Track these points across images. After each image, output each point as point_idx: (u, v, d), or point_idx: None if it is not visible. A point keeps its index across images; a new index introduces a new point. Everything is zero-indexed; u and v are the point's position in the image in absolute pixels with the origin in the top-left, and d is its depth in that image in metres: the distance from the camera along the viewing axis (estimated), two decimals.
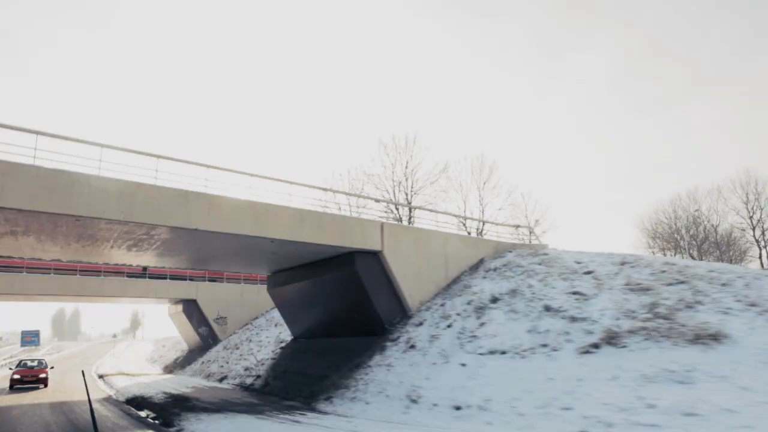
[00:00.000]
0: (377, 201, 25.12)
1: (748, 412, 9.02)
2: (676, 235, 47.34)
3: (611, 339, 12.47)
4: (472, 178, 32.98)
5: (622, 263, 17.72)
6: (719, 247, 45.33)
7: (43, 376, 22.67)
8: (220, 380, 22.78)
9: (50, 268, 27.90)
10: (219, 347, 29.52)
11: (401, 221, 29.55)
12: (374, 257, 16.64)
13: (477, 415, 10.86)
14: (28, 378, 22.32)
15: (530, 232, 23.58)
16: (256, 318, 31.96)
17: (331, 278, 17.94)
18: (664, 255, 46.78)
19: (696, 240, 46.39)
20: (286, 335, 23.42)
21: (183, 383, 22.78)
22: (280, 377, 19.08)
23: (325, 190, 18.47)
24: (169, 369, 32.95)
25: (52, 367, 24.96)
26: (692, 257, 47.88)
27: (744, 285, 15.70)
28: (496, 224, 23.97)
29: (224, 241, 14.78)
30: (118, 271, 30.30)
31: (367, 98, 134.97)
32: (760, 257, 44.45)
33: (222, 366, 25.06)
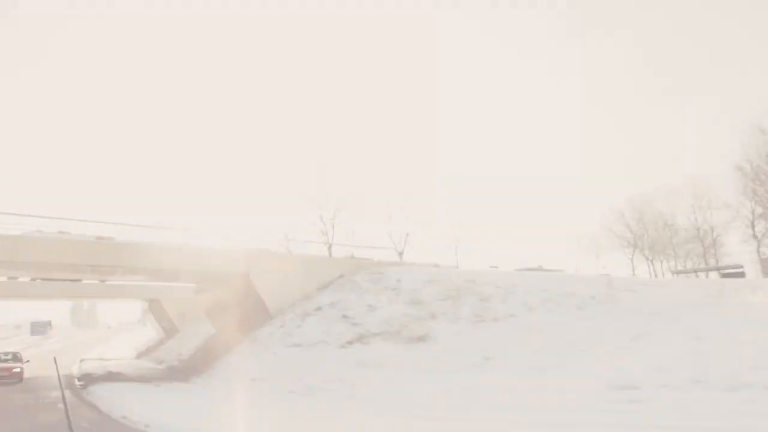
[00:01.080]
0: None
1: (387, 382, 15.70)
2: (637, 233, 52.64)
3: (362, 338, 19.25)
4: (393, 198, 40.25)
5: (430, 281, 24.36)
6: (674, 248, 51.20)
7: (16, 370, 22.34)
8: (160, 363, 30.21)
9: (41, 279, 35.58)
10: (175, 338, 37.08)
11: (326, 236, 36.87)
12: (246, 278, 23.68)
13: (259, 382, 17.76)
14: (1, 373, 22.05)
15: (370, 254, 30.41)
16: None
17: (223, 291, 25.18)
18: (632, 257, 51.95)
19: (649, 242, 52.11)
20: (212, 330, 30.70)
21: (133, 365, 30.28)
22: (189, 361, 26.39)
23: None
24: (140, 355, 40.65)
25: (27, 361, 24.47)
26: (647, 259, 53.75)
27: (500, 300, 22.23)
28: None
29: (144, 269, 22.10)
30: None
31: (364, 95, 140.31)
32: (705, 257, 50.15)
33: (167, 353, 32.55)
